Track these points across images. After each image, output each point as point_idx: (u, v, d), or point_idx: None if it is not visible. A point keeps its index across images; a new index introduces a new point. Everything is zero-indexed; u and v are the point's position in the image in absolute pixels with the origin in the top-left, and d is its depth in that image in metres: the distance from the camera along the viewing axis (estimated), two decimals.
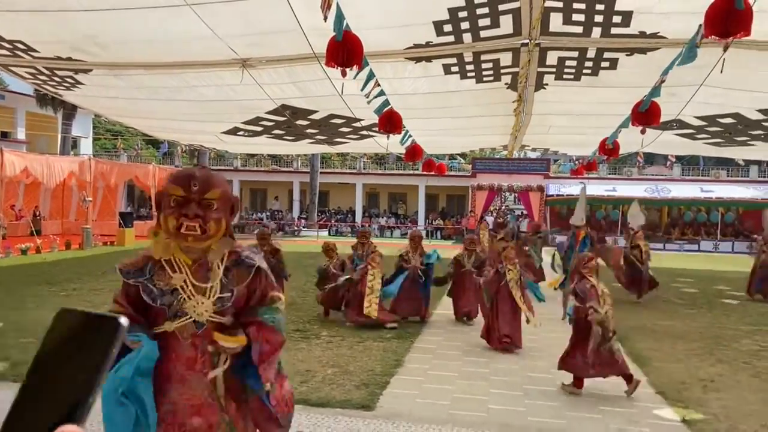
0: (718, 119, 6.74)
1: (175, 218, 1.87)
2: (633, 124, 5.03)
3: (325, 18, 3.09)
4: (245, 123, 8.03)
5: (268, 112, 7.26)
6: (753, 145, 8.12)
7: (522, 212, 28.30)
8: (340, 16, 3.18)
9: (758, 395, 5.16)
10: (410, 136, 6.97)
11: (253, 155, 32.33)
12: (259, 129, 8.36)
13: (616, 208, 26.73)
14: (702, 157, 28.62)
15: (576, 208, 8.49)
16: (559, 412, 4.46)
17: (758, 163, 27.99)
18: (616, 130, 6.39)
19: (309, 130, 8.44)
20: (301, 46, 4.56)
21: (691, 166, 31.41)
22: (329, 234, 29.78)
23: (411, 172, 31.67)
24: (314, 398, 4.78)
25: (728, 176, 28.56)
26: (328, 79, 5.58)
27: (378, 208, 35.00)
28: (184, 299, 1.91)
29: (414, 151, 7.35)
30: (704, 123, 7.01)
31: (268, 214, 33.33)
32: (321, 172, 31.56)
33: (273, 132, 8.58)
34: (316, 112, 7.30)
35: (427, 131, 7.92)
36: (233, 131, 8.66)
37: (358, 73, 4.06)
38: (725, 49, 2.96)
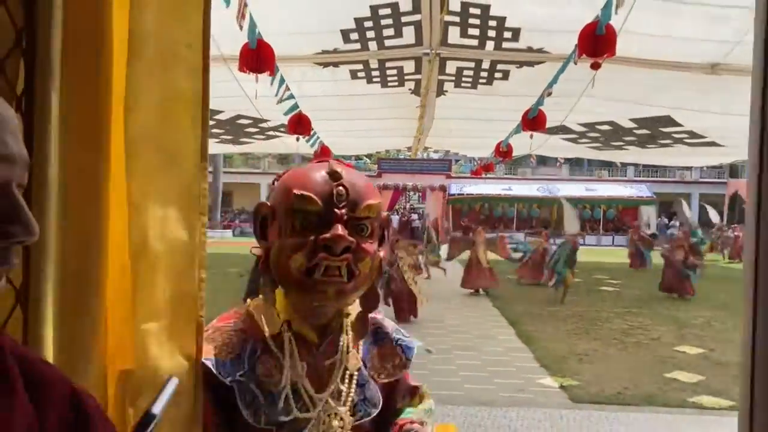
0: (596, 126, 7.45)
1: (308, 255, 1.07)
2: (523, 130, 5.52)
3: (241, 27, 3.23)
4: None
5: None
6: (627, 149, 9.00)
7: (423, 211, 29.17)
8: (253, 25, 3.32)
9: (624, 365, 6.36)
10: (318, 137, 7.16)
11: None
12: None
13: (512, 206, 28.18)
14: (586, 159, 30.81)
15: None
16: (457, 385, 5.33)
17: (635, 165, 30.50)
18: (509, 135, 6.93)
19: (214, 130, 8.38)
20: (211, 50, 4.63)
21: (578, 167, 33.64)
22: (233, 235, 29.17)
23: None
24: None
25: (609, 176, 30.93)
26: (236, 81, 5.65)
27: None
28: (307, 408, 1.12)
29: (322, 152, 7.54)
30: (585, 129, 7.71)
31: None
32: (224, 172, 30.77)
33: None
34: (221, 112, 7.30)
35: (335, 132, 8.14)
36: None
37: (273, 80, 4.21)
38: (592, 67, 3.40)
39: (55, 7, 0.82)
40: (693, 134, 7.27)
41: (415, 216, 26.39)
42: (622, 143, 8.47)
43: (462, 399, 5.03)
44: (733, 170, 29.90)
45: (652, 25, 4.40)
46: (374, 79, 5.76)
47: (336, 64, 5.20)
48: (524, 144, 8.50)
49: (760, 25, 0.93)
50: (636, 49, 4.78)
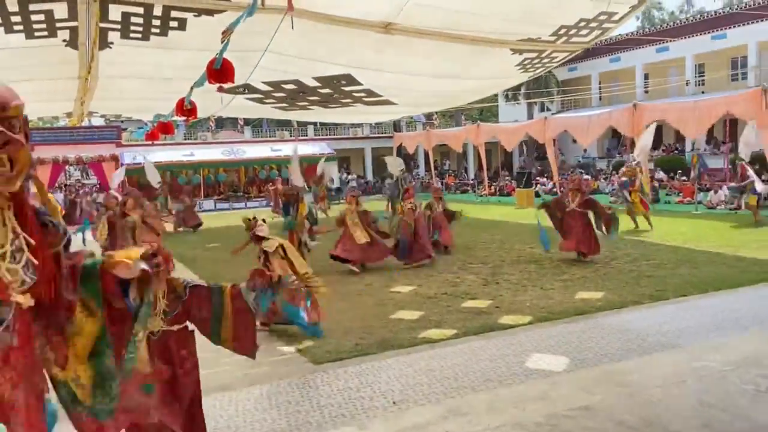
0: (282, 85, 7.31)
1: None
2: (209, 82, 5.00)
3: None
4: None
5: None
6: (311, 109, 9.16)
7: (98, 185, 26.13)
8: None
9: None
10: None
11: None
12: None
13: (197, 173, 27.08)
14: (265, 120, 31.27)
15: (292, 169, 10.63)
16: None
17: (313, 123, 32.15)
18: (191, 89, 6.30)
19: None
20: None
21: (258, 128, 34.00)
22: None
23: None
24: None
25: (290, 136, 32.01)
26: None
27: None
28: None
29: None
30: (270, 89, 7.52)
31: None
32: None
33: None
34: None
35: None
36: None
37: None
38: (290, 8, 3.13)
39: None
40: (371, 93, 7.69)
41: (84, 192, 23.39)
42: (306, 103, 8.54)
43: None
44: (396, 125, 33.81)
45: None
46: (15, 27, 4.52)
47: None
48: (210, 105, 7.94)
49: None
50: (315, 3, 4.69)
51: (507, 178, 30.48)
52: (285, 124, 32.08)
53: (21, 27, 4.65)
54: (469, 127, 28.24)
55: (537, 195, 23.03)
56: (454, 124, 38.42)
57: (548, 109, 35.40)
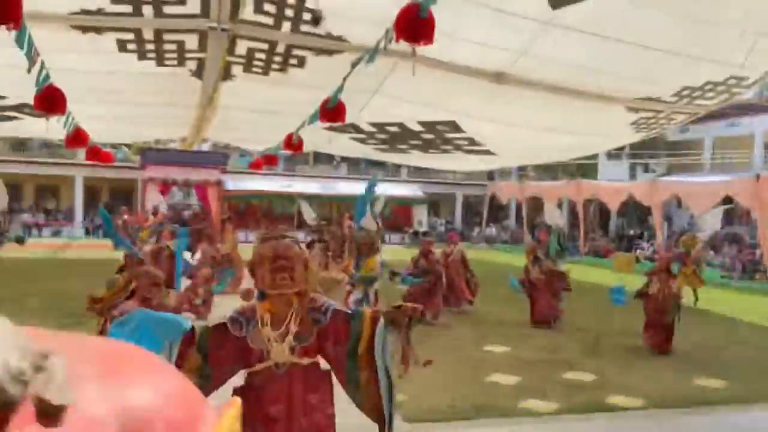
0: (386, 127, 7.41)
1: None
2: (321, 120, 5.14)
3: None
4: None
5: None
6: (410, 153, 9.21)
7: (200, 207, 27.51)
8: None
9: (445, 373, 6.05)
10: (73, 119, 5.93)
11: None
12: None
13: (292, 203, 27.99)
14: (363, 158, 31.94)
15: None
16: None
17: (407, 166, 32.48)
18: (301, 125, 6.50)
19: None
20: None
21: (355, 165, 34.78)
22: None
23: (64, 160, 27.62)
24: None
25: (384, 176, 32.46)
26: None
27: (21, 202, 29.83)
28: None
29: (77, 137, 6.28)
30: (375, 129, 7.64)
31: None
32: None
33: None
34: None
35: (94, 116, 6.87)
36: None
37: (20, 37, 3.17)
38: (414, 54, 3.14)
39: None
40: (472, 141, 7.63)
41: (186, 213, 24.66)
42: (406, 146, 8.60)
43: None
44: (490, 174, 33.55)
45: (446, 24, 4.35)
46: (148, 55, 4.87)
47: (99, 30, 4.23)
48: (315, 140, 8.18)
49: None
50: (431, 49, 4.72)
51: (603, 238, 29.27)
52: (381, 163, 32.66)
53: (153, 55, 5.00)
54: (569, 182, 27.46)
55: (637, 260, 21.89)
56: (549, 177, 37.58)
57: (653, 171, 33.91)
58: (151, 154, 24.90)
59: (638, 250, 25.48)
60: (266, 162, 11.73)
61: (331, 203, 29.38)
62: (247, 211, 27.78)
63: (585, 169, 41.52)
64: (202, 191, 25.18)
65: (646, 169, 34.30)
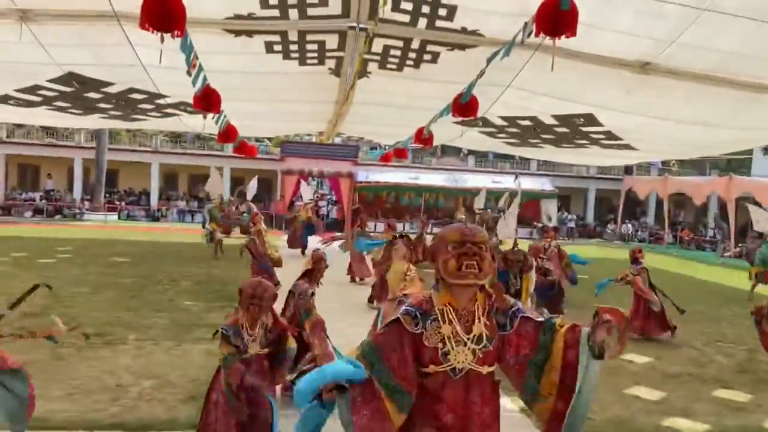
0: (518, 121, 7.26)
1: None
2: (453, 115, 5.17)
3: None
4: (19, 91, 6.74)
5: (51, 80, 6.17)
6: (542, 147, 8.95)
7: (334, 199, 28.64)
8: None
9: None
10: (225, 116, 6.45)
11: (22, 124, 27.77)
12: (38, 99, 7.08)
13: (419, 195, 28.32)
14: (491, 151, 31.46)
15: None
16: None
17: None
18: (433, 119, 6.56)
19: (102, 105, 7.40)
20: (98, 1, 3.87)
21: (483, 157, 34.39)
22: (119, 218, 27.21)
23: (214, 152, 29.93)
24: (132, 420, 4.23)
25: (512, 168, 31.80)
26: (130, 45, 4.87)
27: (177, 190, 32.66)
28: None
29: (228, 133, 6.82)
30: (506, 124, 7.51)
31: (42, 194, 29.19)
32: (109, 149, 28.23)
33: (55, 104, 7.35)
34: (112, 84, 6.38)
35: (242, 113, 7.42)
36: (2, 100, 7.24)
37: (183, 43, 3.53)
38: (554, 48, 3.07)
39: None
40: (611, 135, 7.26)
41: (323, 204, 25.77)
42: (538, 140, 8.37)
43: None
44: (627, 167, 31.65)
45: (590, 14, 4.17)
46: (292, 55, 5.17)
47: (250, 33, 4.56)
48: (443, 134, 8.22)
49: None
50: (570, 39, 4.55)
51: (759, 241, 26.49)
52: (509, 156, 31.99)
53: (297, 55, 5.30)
54: (718, 178, 25.11)
55: None
56: (696, 172, 34.69)
57: None
58: (290, 146, 26.38)
59: None
60: (396, 155, 11.97)
61: (457, 197, 29.29)
62: (375, 201, 28.32)
63: (736, 163, 37.86)
64: (335, 182, 26.24)
65: None
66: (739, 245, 25.10)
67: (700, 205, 31.32)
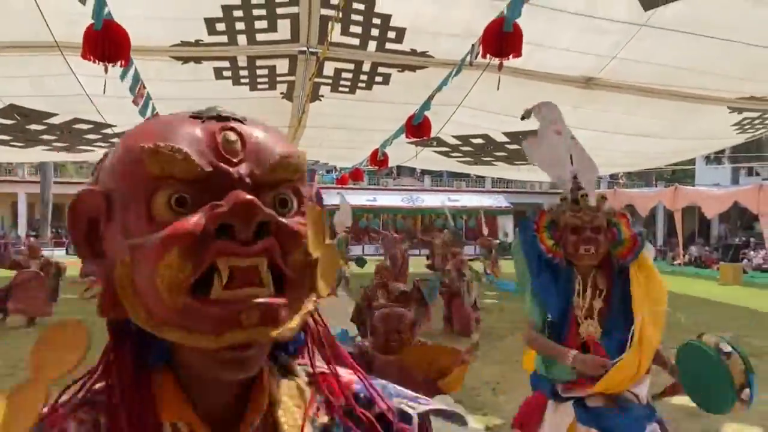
0: (471, 139, 7.37)
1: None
2: (407, 137, 5.19)
3: (84, 0, 2.50)
4: None
5: None
6: (495, 165, 9.10)
7: None
8: (101, 1, 2.60)
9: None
10: None
11: None
12: None
13: (376, 217, 28.32)
14: (445, 170, 31.87)
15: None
16: None
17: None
18: (386, 141, 6.59)
19: (45, 136, 7.16)
20: (39, 31, 3.75)
21: (438, 177, 34.75)
22: (67, 253, 26.21)
23: None
24: None
25: (467, 187, 32.27)
26: (73, 75, 4.73)
27: None
28: None
29: None
30: (459, 142, 7.62)
31: None
32: (55, 182, 27.24)
33: None
34: (55, 115, 6.19)
35: None
36: None
37: (125, 72, 3.44)
38: (499, 68, 3.11)
39: None
40: None
41: None
42: (491, 158, 8.51)
43: None
44: None
45: (535, 33, 4.28)
46: (242, 80, 5.12)
47: (198, 60, 4.50)
48: (399, 155, 8.27)
49: None
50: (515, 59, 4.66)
51: (705, 248, 27.54)
52: (464, 175, 32.45)
53: (247, 80, 5.25)
54: (664, 190, 25.96)
55: (744, 271, 20.44)
56: (644, 184, 35.89)
57: (757, 174, 31.59)
58: None
59: (745, 260, 23.73)
60: (353, 177, 11.96)
61: (415, 216, 29.44)
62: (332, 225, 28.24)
63: (680, 174, 39.32)
64: None
65: (750, 172, 32.02)
66: (687, 253, 26.01)
67: (648, 216, 32.38)
